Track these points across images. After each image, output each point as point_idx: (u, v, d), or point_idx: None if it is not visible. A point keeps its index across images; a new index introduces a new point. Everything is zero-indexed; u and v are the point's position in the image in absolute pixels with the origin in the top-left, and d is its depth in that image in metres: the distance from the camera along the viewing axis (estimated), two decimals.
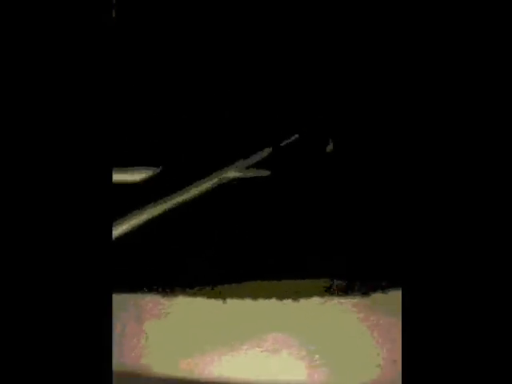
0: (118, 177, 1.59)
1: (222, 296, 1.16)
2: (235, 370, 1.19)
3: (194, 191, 1.36)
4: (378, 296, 1.04)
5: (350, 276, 1.06)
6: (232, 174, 1.42)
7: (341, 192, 1.21)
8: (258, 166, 1.41)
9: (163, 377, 1.28)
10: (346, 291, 1.06)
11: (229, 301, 1.16)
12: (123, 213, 1.32)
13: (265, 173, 1.42)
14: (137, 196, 1.41)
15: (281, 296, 1.11)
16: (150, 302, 1.25)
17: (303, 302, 1.09)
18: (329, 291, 1.07)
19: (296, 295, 1.10)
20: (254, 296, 1.13)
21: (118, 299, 1.28)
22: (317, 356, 1.11)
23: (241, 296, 1.14)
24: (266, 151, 1.47)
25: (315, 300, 1.08)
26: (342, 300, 1.07)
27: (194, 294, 1.19)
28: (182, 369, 1.25)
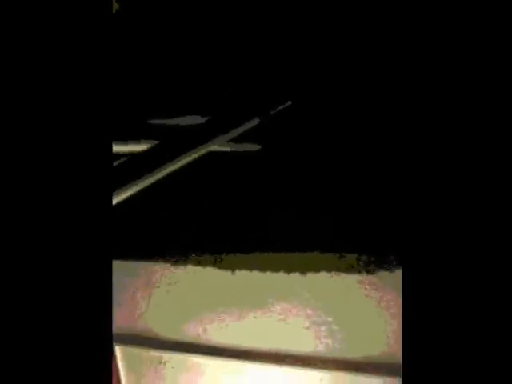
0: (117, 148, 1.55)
1: (231, 267, 1.19)
2: (242, 337, 1.24)
3: (182, 162, 1.35)
4: (383, 273, 1.06)
5: (358, 253, 1.09)
6: (217, 147, 1.40)
7: (345, 164, 1.22)
8: (245, 138, 1.39)
9: (170, 341, 1.32)
10: (352, 267, 1.09)
11: (237, 272, 1.19)
12: (122, 182, 1.33)
13: (254, 147, 1.41)
14: (135, 166, 1.41)
15: (288, 269, 1.14)
16: (160, 269, 1.28)
17: (310, 275, 1.12)
18: (336, 267, 1.10)
19: (303, 269, 1.13)
20: (263, 268, 1.16)
21: (128, 266, 1.31)
22: (322, 328, 1.14)
23: (249, 268, 1.17)
24: (255, 121, 1.45)
25: (322, 275, 1.11)
26: (349, 276, 1.10)
27: (203, 264, 1.22)
28: (189, 334, 1.29)
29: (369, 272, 1.08)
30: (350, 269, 1.10)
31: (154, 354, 1.33)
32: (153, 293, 1.31)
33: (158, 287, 1.30)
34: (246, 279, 1.19)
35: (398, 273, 1.06)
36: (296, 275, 1.14)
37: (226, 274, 1.20)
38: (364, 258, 1.09)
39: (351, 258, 1.10)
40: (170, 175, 1.40)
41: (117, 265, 1.31)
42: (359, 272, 1.09)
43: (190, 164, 1.40)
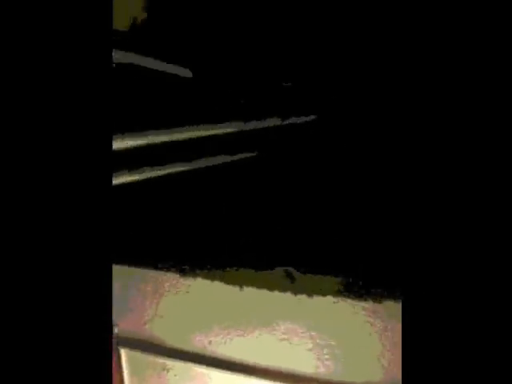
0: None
1: (240, 283, 1.21)
2: (245, 352, 1.26)
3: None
4: (389, 303, 1.08)
5: (365, 281, 1.11)
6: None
7: (354, 190, 1.22)
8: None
9: (175, 349, 1.35)
10: (359, 295, 1.11)
11: (245, 288, 1.21)
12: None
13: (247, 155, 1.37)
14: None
15: (296, 290, 1.16)
16: (170, 279, 1.31)
17: (317, 298, 1.14)
18: (343, 292, 1.12)
19: (310, 291, 1.15)
20: (271, 287, 1.18)
21: (138, 273, 1.34)
22: (325, 350, 1.16)
23: (257, 285, 1.19)
24: (274, 121, 1.39)
25: (329, 299, 1.13)
26: (355, 302, 1.11)
27: (212, 278, 1.24)
28: (194, 344, 1.32)
29: (375, 300, 1.10)
30: (356, 295, 1.12)
31: (159, 360, 1.36)
32: (161, 301, 1.33)
33: (167, 296, 1.32)
34: (254, 296, 1.21)
35: None
36: (303, 297, 1.16)
37: (235, 289, 1.22)
38: (371, 286, 1.11)
39: (358, 285, 1.12)
40: (182, 183, 1.41)
41: (128, 271, 1.34)
42: (365, 300, 1.11)
43: (201, 174, 1.39)
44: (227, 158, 1.46)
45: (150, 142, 1.26)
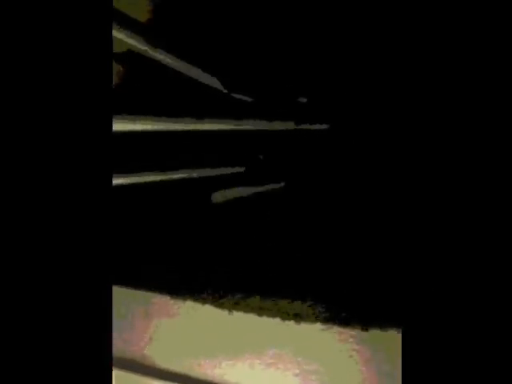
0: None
1: (229, 307, 1.22)
2: (233, 375, 1.27)
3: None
4: (376, 332, 1.09)
5: (353, 308, 1.12)
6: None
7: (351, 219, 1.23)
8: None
9: (164, 370, 1.36)
10: (346, 322, 1.12)
11: (235, 313, 1.22)
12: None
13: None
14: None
15: (285, 317, 1.17)
16: (160, 300, 1.32)
17: (304, 325, 1.15)
18: (330, 320, 1.13)
19: (299, 318, 1.16)
20: (259, 313, 1.19)
21: (128, 293, 1.35)
22: (312, 376, 1.17)
23: (247, 310, 1.20)
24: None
25: (316, 326, 1.14)
26: (342, 330, 1.12)
27: (202, 301, 1.25)
28: (184, 366, 1.33)
29: (363, 329, 1.11)
30: (343, 323, 1.13)
31: (148, 381, 1.36)
32: (151, 322, 1.34)
33: (157, 317, 1.33)
34: (243, 321, 1.22)
35: (392, 333, 1.09)
36: (291, 323, 1.17)
37: (224, 313, 1.23)
38: (359, 314, 1.12)
39: (346, 312, 1.13)
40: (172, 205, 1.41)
41: (117, 291, 1.35)
42: (353, 327, 1.12)
43: (191, 189, 1.38)
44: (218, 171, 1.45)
45: (149, 128, 1.24)
